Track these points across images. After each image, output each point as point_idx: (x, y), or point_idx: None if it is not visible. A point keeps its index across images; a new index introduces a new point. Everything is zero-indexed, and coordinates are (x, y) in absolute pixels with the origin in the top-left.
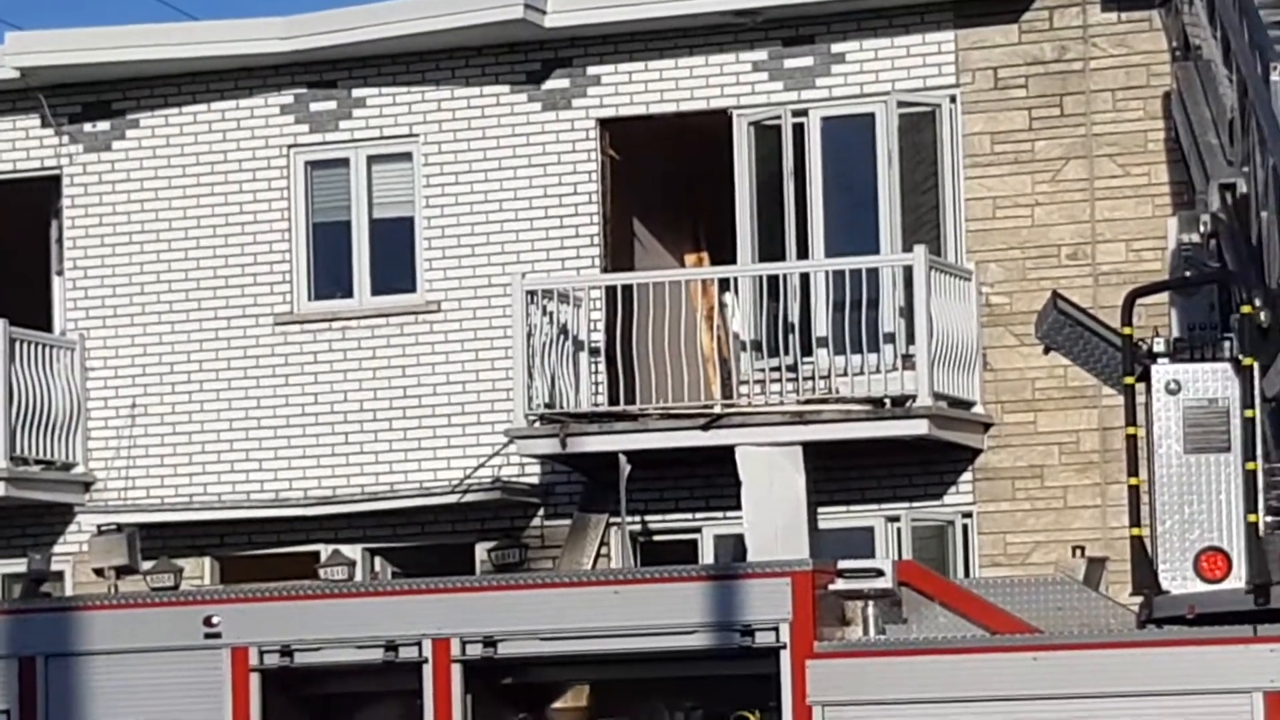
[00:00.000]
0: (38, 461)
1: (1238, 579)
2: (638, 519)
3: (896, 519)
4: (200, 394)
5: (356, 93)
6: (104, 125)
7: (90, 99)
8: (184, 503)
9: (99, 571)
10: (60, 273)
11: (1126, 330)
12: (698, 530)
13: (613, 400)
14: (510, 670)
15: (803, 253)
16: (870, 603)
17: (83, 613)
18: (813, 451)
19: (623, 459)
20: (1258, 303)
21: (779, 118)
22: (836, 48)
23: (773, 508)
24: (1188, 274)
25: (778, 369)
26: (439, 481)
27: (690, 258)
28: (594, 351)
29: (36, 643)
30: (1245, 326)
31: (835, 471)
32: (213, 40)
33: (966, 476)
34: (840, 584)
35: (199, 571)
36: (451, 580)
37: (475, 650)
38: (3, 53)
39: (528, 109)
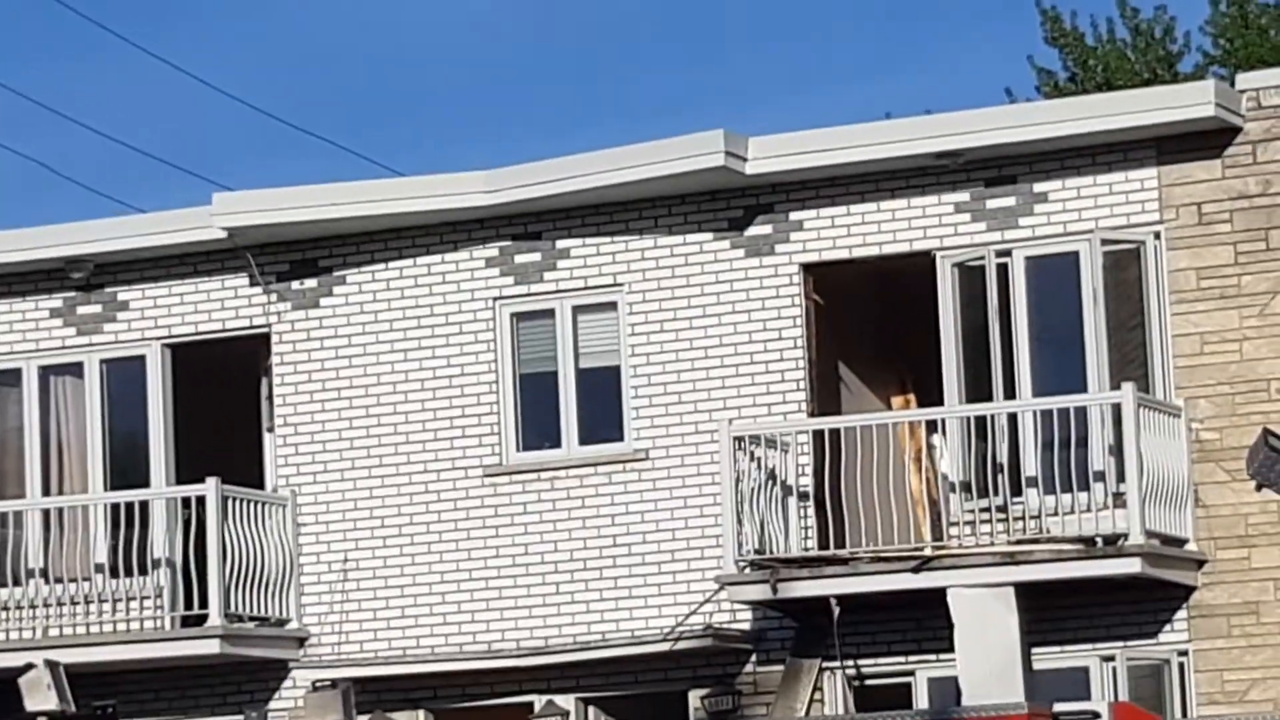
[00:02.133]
0: (252, 618)
1: None
2: (851, 663)
3: (1111, 658)
4: (411, 547)
5: (560, 244)
6: (311, 282)
7: (297, 257)
8: (397, 656)
9: None
10: (271, 429)
11: None
12: (911, 673)
13: (822, 544)
14: None
15: (1010, 393)
16: None
17: None
18: (1025, 591)
19: (834, 602)
20: None
21: (983, 258)
22: (1039, 187)
23: (986, 649)
24: None
25: (987, 509)
26: (651, 629)
27: (897, 400)
28: (803, 496)
29: None
30: None
31: (1048, 611)
32: (416, 195)
33: (1181, 614)
34: None
35: None
36: None
37: None
38: (210, 214)
39: (731, 255)
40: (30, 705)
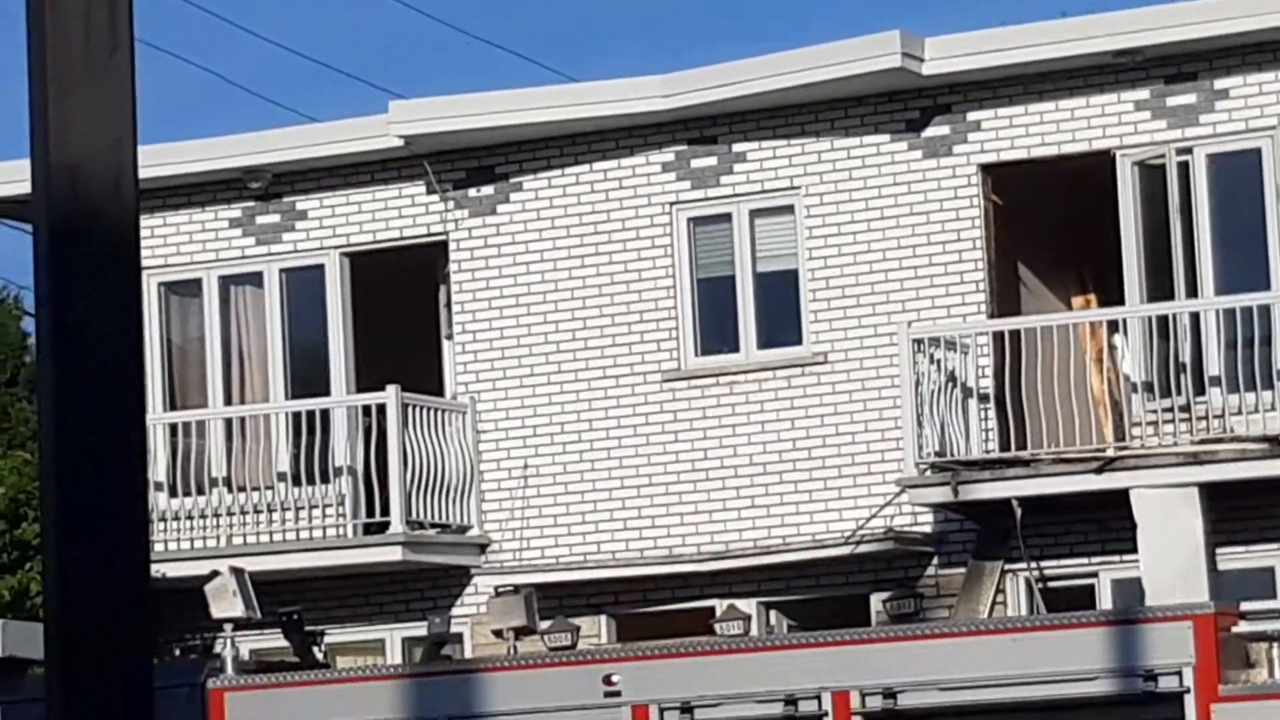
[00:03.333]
0: (433, 525)
1: None
2: (1034, 565)
3: None
4: (591, 453)
5: (737, 147)
6: (488, 190)
7: (473, 164)
8: (578, 562)
9: (498, 633)
10: (450, 337)
11: None
12: (1094, 575)
13: (1003, 446)
14: None
15: (1192, 291)
16: (1276, 644)
17: (485, 674)
18: (1209, 491)
19: (1016, 504)
20: None
21: (1163, 156)
22: (1220, 83)
23: (1170, 550)
24: None
25: (1170, 410)
26: (831, 533)
27: (1077, 300)
28: (983, 398)
29: (440, 705)
30: None
31: (1233, 511)
32: (593, 101)
33: None
34: (1244, 626)
35: (595, 630)
36: (849, 632)
37: (875, 702)
38: (387, 122)
39: (908, 157)
40: (216, 612)
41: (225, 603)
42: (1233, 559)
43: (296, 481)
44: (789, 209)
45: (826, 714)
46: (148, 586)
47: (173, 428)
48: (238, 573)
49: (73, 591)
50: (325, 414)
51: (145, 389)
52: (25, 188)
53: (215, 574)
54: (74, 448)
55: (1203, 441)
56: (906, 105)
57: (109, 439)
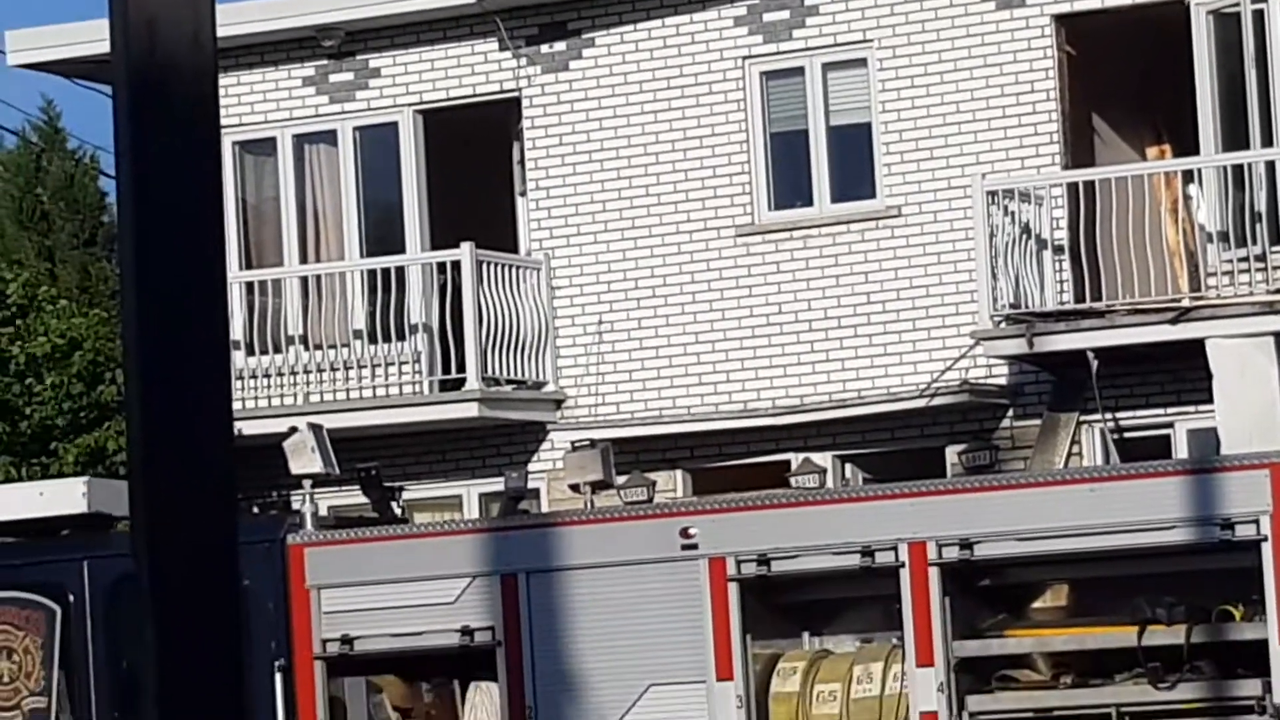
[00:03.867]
0: (509, 381)
1: None
2: (1110, 416)
3: None
4: (665, 308)
5: (810, 0)
6: (560, 46)
7: (546, 20)
8: (654, 416)
9: (574, 487)
10: (523, 193)
11: None
12: (1170, 425)
13: (1078, 298)
14: (988, 572)
15: (1267, 140)
16: None
17: (561, 528)
18: None
19: (1091, 356)
20: None
21: (1238, 5)
22: None
23: (1246, 400)
24: None
25: (1246, 259)
26: (906, 386)
27: (1152, 150)
28: (1057, 249)
29: (518, 559)
30: None
31: None
32: None
33: None
34: None
35: (671, 484)
36: (925, 484)
37: (952, 553)
38: None
39: (982, 9)
40: (295, 468)
41: (304, 459)
42: None
43: (372, 339)
44: (862, 62)
45: (903, 564)
46: (231, 442)
47: (249, 286)
48: (316, 429)
49: (156, 448)
50: (400, 271)
51: (225, 245)
52: (101, 47)
53: (294, 430)
54: (155, 304)
55: (1278, 291)
56: None
57: (190, 295)
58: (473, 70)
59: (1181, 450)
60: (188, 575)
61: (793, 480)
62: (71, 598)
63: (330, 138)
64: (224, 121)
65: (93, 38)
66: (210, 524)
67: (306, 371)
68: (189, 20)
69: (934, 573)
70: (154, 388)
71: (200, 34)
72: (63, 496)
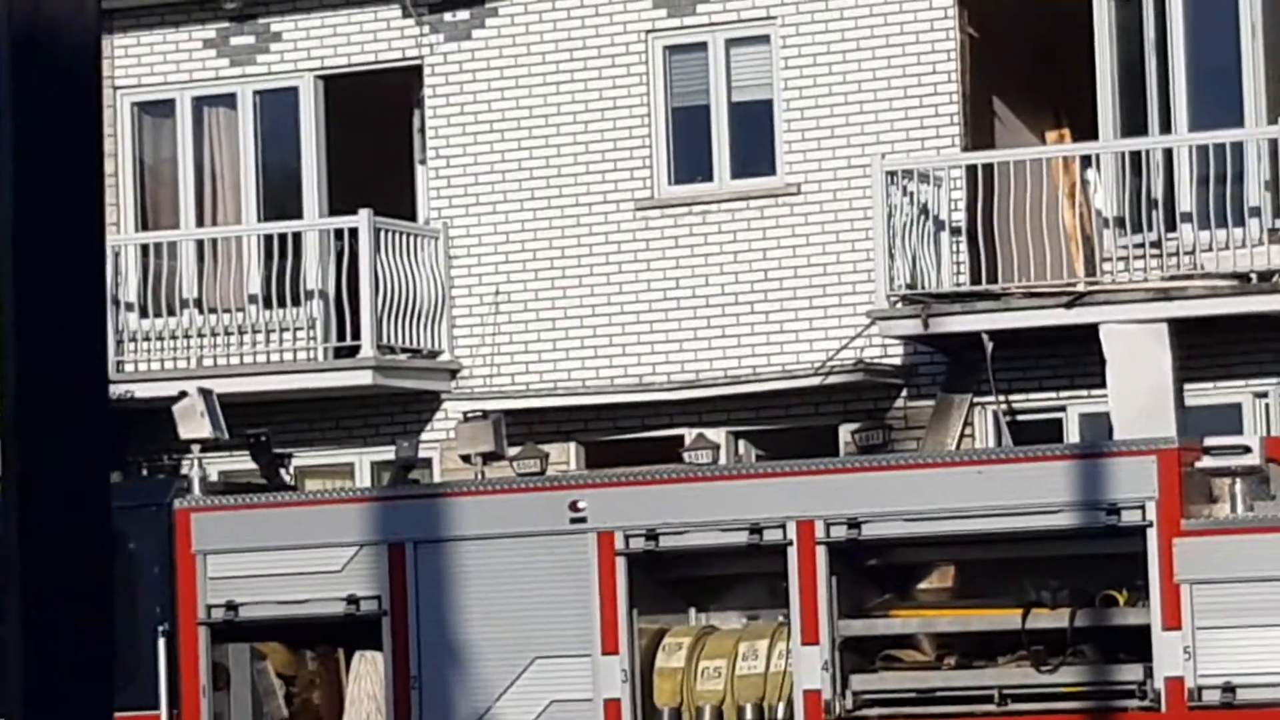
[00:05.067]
0: (404, 350)
1: None
2: (1002, 398)
3: (1265, 395)
4: (563, 280)
5: None
6: (464, 14)
7: None
8: (548, 388)
9: (465, 458)
10: (423, 162)
11: None
12: (1062, 409)
13: (974, 279)
14: (875, 551)
15: (1165, 127)
16: (1238, 480)
17: (451, 499)
18: (1178, 328)
19: (986, 338)
20: None
21: None
22: None
23: (1138, 385)
24: None
25: (1141, 245)
26: (801, 364)
27: (1051, 134)
28: (955, 231)
29: (406, 529)
30: None
31: (1201, 348)
32: None
33: None
34: (1207, 461)
35: (564, 456)
36: (816, 462)
37: (840, 532)
38: None
39: None
40: (184, 433)
41: (193, 423)
42: (1200, 395)
43: (268, 304)
44: (765, 39)
45: (791, 543)
46: (106, 401)
47: (144, 248)
48: (206, 393)
49: (31, 404)
50: (297, 237)
51: (104, 205)
52: None
53: (184, 394)
54: (33, 262)
55: (1173, 277)
56: None
57: (68, 254)
58: (375, 37)
59: (1074, 434)
60: (59, 536)
61: (686, 455)
62: None
63: (230, 101)
64: (123, 82)
65: None
66: (83, 483)
67: (200, 335)
68: None
69: (821, 551)
70: (30, 339)
71: None
72: None
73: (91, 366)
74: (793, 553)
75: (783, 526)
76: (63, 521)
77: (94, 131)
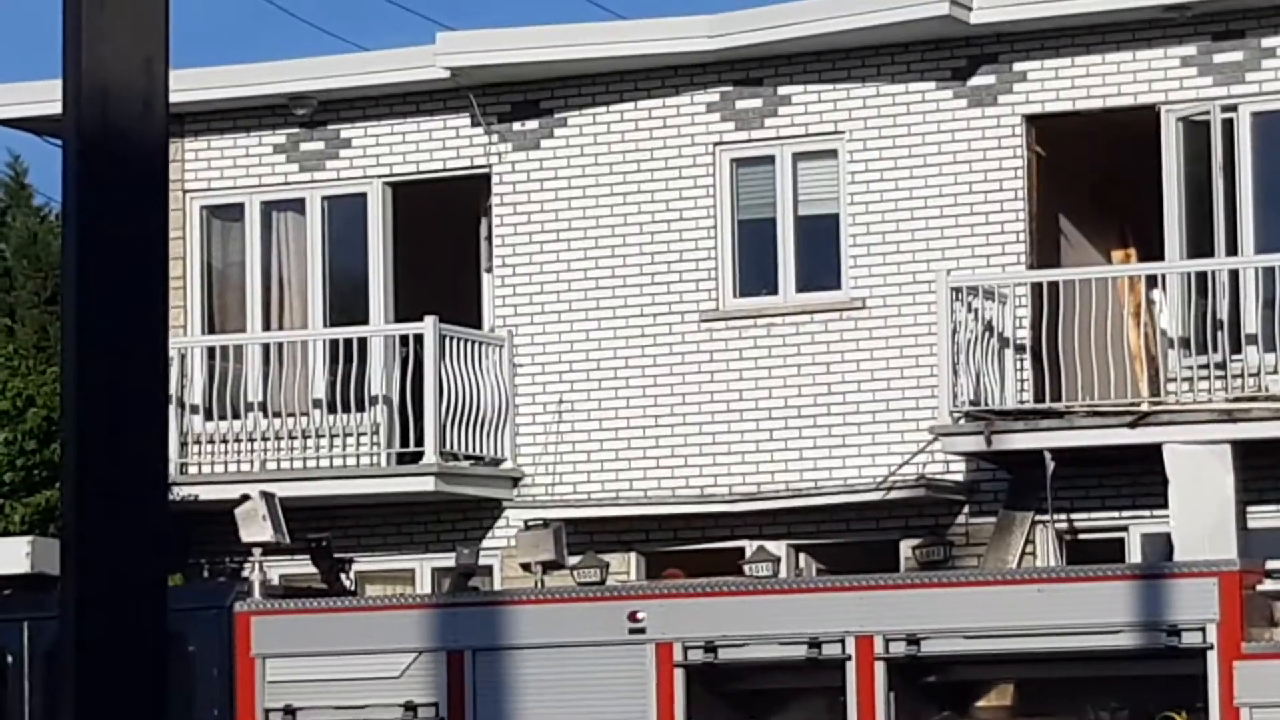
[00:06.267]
0: (467, 457)
1: None
2: (1064, 517)
3: None
4: (626, 390)
5: (782, 90)
6: (532, 124)
7: (519, 98)
8: (610, 498)
9: (526, 566)
10: (489, 270)
11: None
12: (1124, 529)
13: (1038, 397)
14: (934, 668)
15: (1232, 249)
16: None
17: (511, 607)
18: (1242, 450)
19: (1048, 456)
20: None
21: (1208, 113)
22: (1267, 42)
23: (1201, 507)
24: None
25: (1206, 366)
26: (863, 478)
27: (1117, 254)
28: (1019, 348)
29: (465, 636)
30: None
31: (1264, 470)
32: (640, 39)
33: None
34: (1269, 584)
35: (624, 566)
36: (876, 577)
37: (899, 648)
38: (434, 53)
39: (953, 105)
40: (245, 536)
41: (255, 527)
42: (1263, 518)
43: (332, 409)
44: (832, 153)
45: (850, 658)
46: (166, 505)
47: (211, 351)
48: (268, 497)
49: (90, 508)
50: (363, 342)
51: (168, 309)
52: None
53: (246, 498)
54: (96, 362)
55: (1237, 399)
56: (953, 53)
57: (131, 357)
58: (444, 145)
59: (1135, 555)
60: (114, 639)
61: (746, 568)
62: (9, 658)
63: (298, 206)
64: (193, 186)
65: (60, 96)
66: (140, 587)
67: (265, 439)
68: (142, 88)
69: (880, 667)
70: (91, 446)
71: (153, 102)
72: (6, 555)
73: (152, 470)
74: (851, 668)
75: (842, 641)
76: (118, 625)
77: (159, 235)
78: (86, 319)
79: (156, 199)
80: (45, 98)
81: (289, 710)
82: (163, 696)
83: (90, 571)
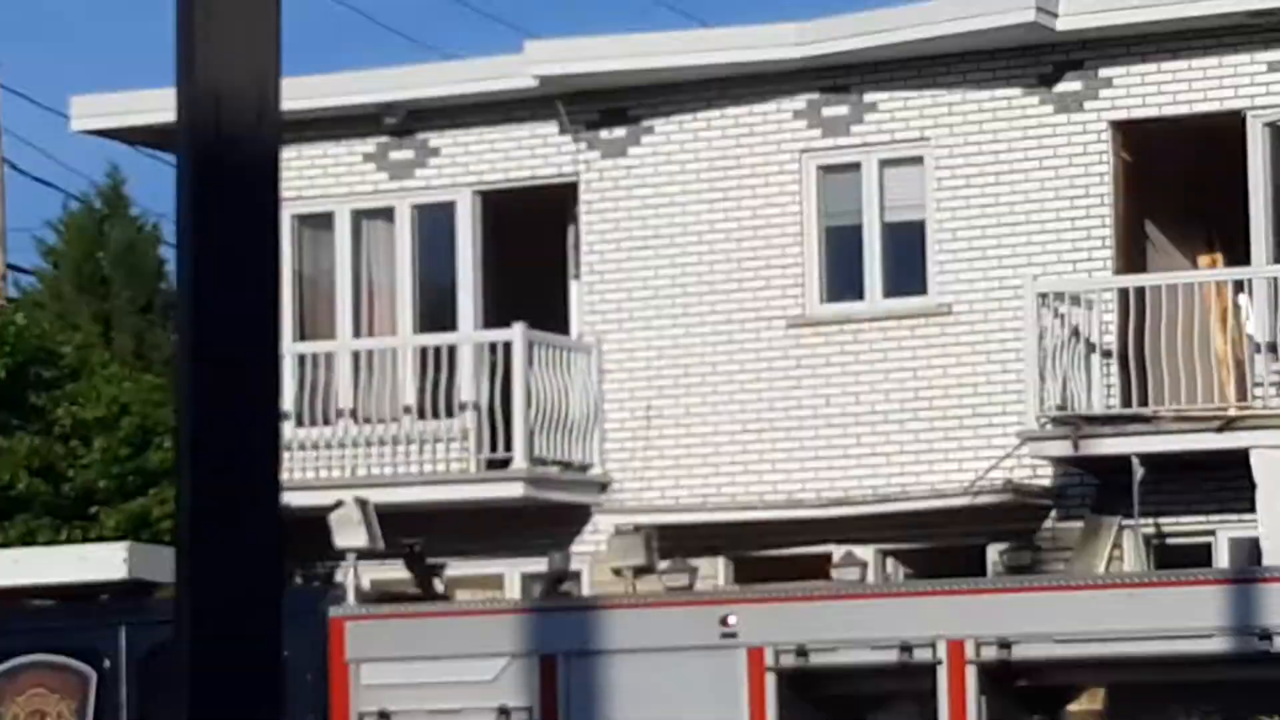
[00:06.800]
0: (555, 463)
1: None
2: (1151, 521)
3: None
4: (714, 396)
5: (868, 97)
6: (620, 131)
7: (607, 105)
8: (698, 503)
9: (617, 571)
10: (577, 277)
11: None
12: (1212, 533)
13: (1125, 402)
14: (1025, 673)
15: None
16: None
17: (602, 611)
18: None
19: (1136, 461)
20: None
21: None
22: None
23: None
24: None
25: None
26: (951, 483)
27: (1203, 259)
28: (1106, 353)
29: (558, 641)
30: None
31: None
32: (727, 48)
33: None
34: None
35: (713, 571)
36: (966, 582)
37: (990, 652)
38: (522, 61)
39: (1039, 112)
40: (339, 542)
41: (349, 532)
42: None
43: (421, 415)
44: (918, 160)
45: (941, 662)
46: (279, 514)
47: (301, 359)
48: (362, 503)
49: (204, 519)
50: (452, 349)
51: (281, 319)
52: (165, 116)
53: (340, 504)
54: (210, 372)
55: None
56: (1039, 59)
57: (245, 366)
58: (532, 153)
59: (1223, 559)
60: (229, 646)
61: (834, 573)
62: (107, 663)
63: (388, 214)
64: (283, 194)
65: (156, 106)
66: (255, 595)
67: (355, 445)
68: (254, 98)
69: (971, 671)
70: (205, 456)
71: (265, 112)
72: (104, 561)
73: (264, 481)
74: (942, 672)
75: (933, 646)
76: (234, 635)
77: (273, 247)
78: (201, 326)
79: (269, 207)
80: (138, 108)
81: (383, 714)
82: (279, 705)
83: (204, 582)
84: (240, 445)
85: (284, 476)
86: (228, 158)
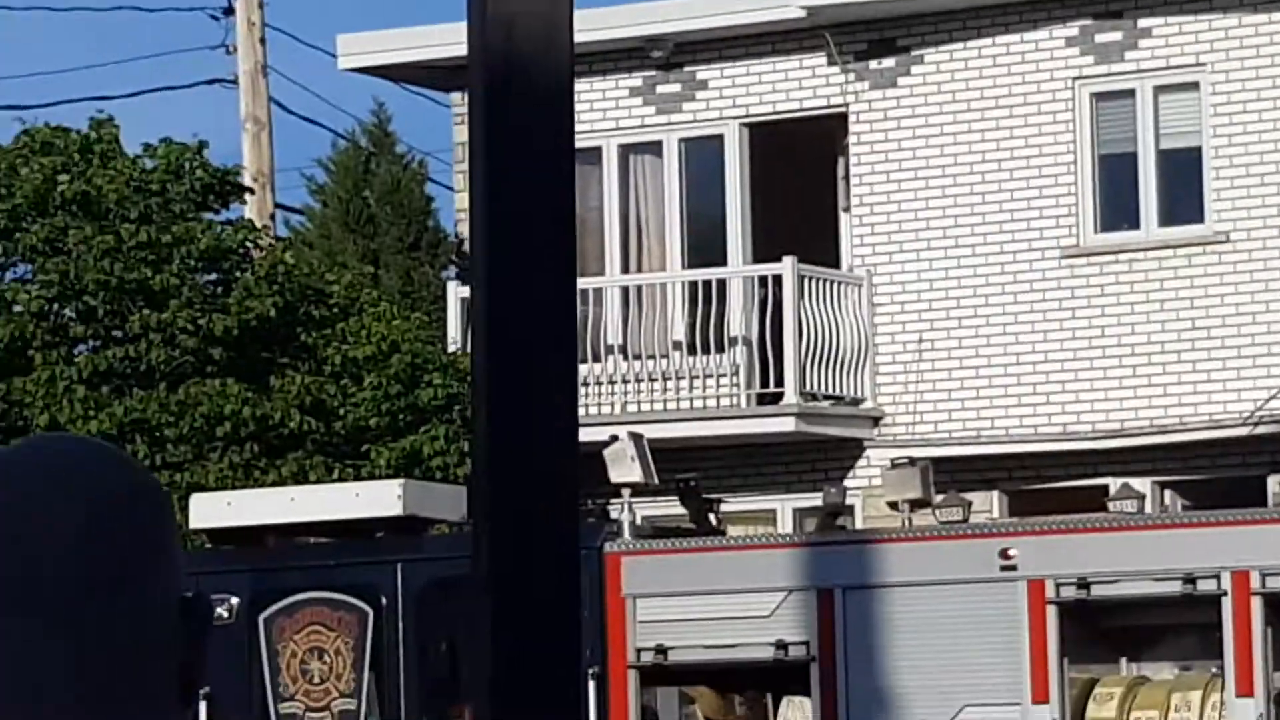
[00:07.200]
0: (827, 397)
1: None
2: None
3: None
4: (986, 328)
5: (1142, 23)
6: (889, 62)
7: (875, 36)
8: (972, 436)
9: (893, 505)
10: (847, 209)
11: None
12: None
13: None
14: None
15: None
16: None
17: (880, 545)
18: None
19: None
20: None
21: None
22: None
23: None
24: None
25: None
26: (1229, 414)
27: None
28: None
29: (835, 575)
30: None
31: None
32: None
33: None
34: None
35: (987, 505)
36: (1250, 512)
37: (1276, 583)
38: None
39: None
40: (614, 477)
41: (624, 467)
42: None
43: (691, 350)
44: (1194, 85)
45: (1225, 593)
46: (575, 447)
47: None
48: (636, 438)
49: (504, 452)
50: (722, 284)
51: (575, 249)
52: (430, 54)
53: (614, 439)
54: (506, 306)
55: None
56: None
57: (540, 297)
58: (800, 85)
59: None
60: (528, 577)
61: (1111, 505)
62: (384, 600)
63: (656, 149)
64: None
65: (423, 43)
66: (553, 527)
67: (625, 381)
68: (546, 23)
69: (1257, 602)
70: (503, 388)
71: (556, 36)
72: (378, 499)
73: (562, 413)
74: (1227, 603)
75: (1217, 577)
76: (533, 568)
77: (567, 176)
78: (497, 261)
79: (563, 135)
80: (405, 44)
81: (660, 649)
82: (578, 633)
83: (505, 514)
84: (538, 376)
85: None
86: (520, 83)
